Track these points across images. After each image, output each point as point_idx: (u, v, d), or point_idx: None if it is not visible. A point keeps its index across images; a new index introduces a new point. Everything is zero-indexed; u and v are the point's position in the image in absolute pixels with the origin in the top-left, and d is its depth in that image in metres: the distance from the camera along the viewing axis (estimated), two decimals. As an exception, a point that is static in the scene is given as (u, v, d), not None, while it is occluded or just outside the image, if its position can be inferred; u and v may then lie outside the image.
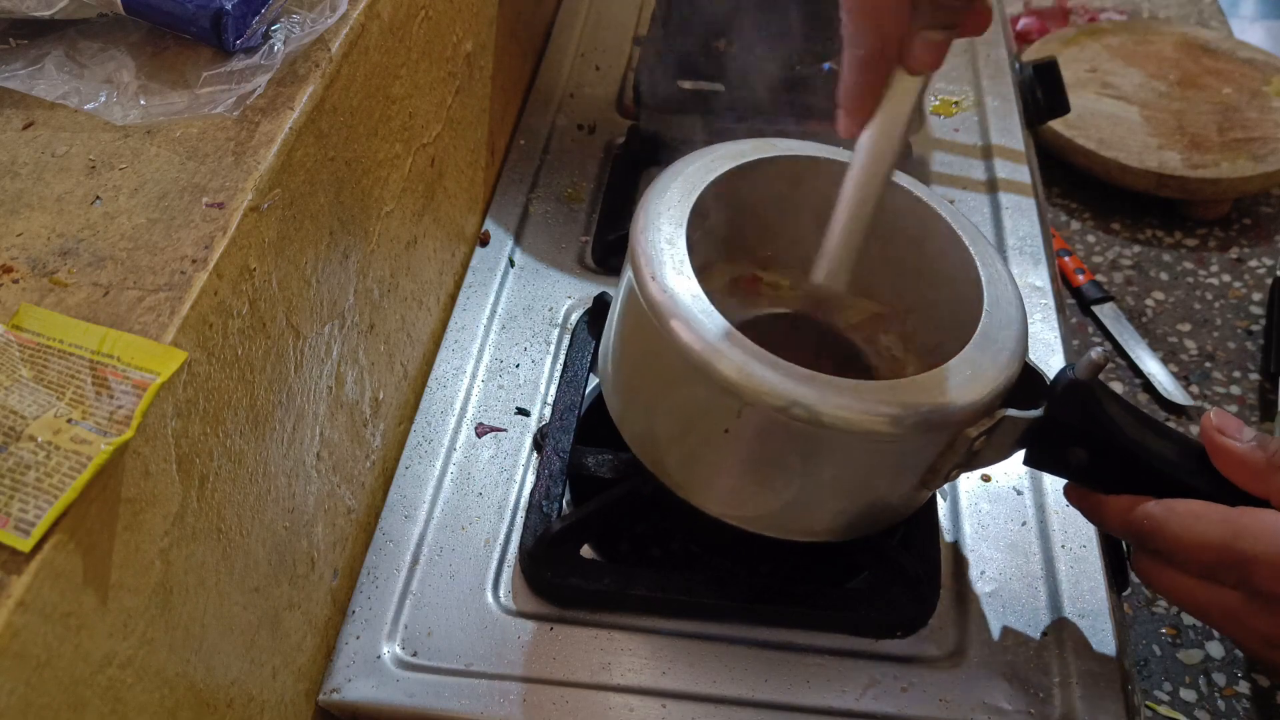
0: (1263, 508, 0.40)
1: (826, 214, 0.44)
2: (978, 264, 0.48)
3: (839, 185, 0.44)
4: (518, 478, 0.58)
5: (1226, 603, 0.41)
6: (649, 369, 0.47)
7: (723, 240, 0.53)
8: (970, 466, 0.47)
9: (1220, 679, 0.68)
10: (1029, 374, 0.45)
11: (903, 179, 0.51)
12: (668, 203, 0.47)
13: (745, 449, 0.45)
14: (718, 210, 0.50)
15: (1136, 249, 0.99)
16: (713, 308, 0.43)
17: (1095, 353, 0.43)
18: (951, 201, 0.73)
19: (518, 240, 0.72)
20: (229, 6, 0.44)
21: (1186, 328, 0.91)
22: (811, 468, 0.45)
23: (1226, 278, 0.96)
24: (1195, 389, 0.85)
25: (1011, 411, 0.44)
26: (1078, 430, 0.44)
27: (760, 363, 0.41)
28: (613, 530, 0.56)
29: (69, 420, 0.33)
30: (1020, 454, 0.47)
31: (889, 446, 0.43)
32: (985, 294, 0.46)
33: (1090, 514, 0.47)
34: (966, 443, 0.44)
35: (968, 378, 0.43)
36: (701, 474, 0.49)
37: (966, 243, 0.49)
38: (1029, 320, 0.64)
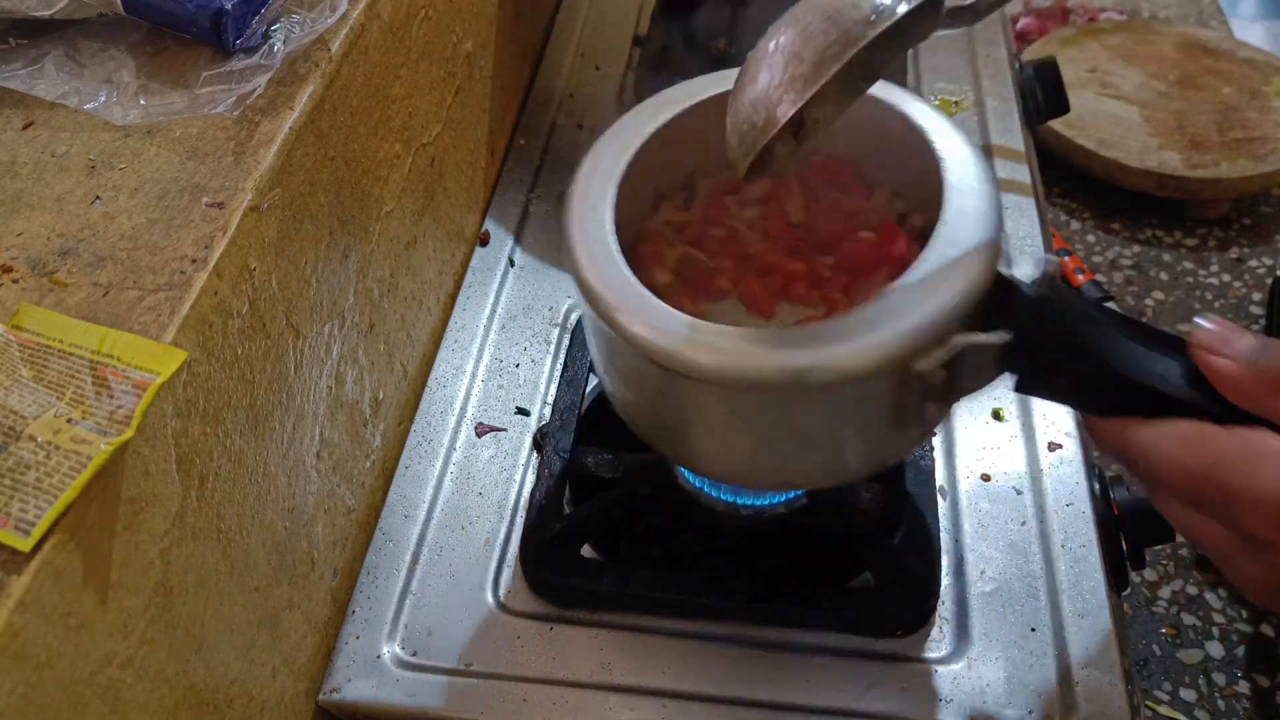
0: (1259, 428, 0.35)
1: None
2: (944, 169, 0.42)
3: None
4: (518, 478, 0.58)
5: (1218, 538, 0.37)
6: (601, 347, 0.45)
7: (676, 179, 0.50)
8: (950, 398, 0.42)
9: (1220, 679, 0.68)
10: (1003, 288, 0.39)
11: (887, 90, 0.46)
12: (600, 171, 0.45)
13: (690, 411, 0.43)
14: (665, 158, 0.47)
15: (1136, 249, 0.99)
16: (628, 274, 0.41)
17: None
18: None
19: (518, 240, 0.72)
20: (229, 6, 0.44)
21: (1187, 328, 0.91)
22: (762, 425, 0.42)
23: (1226, 278, 0.96)
24: (1195, 389, 0.85)
25: (972, 338, 0.38)
26: (1051, 351, 0.39)
27: (672, 325, 0.39)
28: (613, 530, 0.56)
29: (69, 420, 0.33)
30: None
31: (827, 396, 0.39)
32: (946, 202, 0.41)
33: (1094, 440, 0.41)
34: (922, 378, 0.39)
35: (909, 306, 0.38)
36: (674, 438, 0.46)
37: (935, 145, 0.43)
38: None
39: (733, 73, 0.42)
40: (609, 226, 0.43)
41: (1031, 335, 0.39)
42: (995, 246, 0.40)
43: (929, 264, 0.39)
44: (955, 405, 0.44)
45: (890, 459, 0.47)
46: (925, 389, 0.40)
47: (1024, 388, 0.42)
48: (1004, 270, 0.39)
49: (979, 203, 0.40)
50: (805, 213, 0.49)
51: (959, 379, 0.40)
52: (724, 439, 0.44)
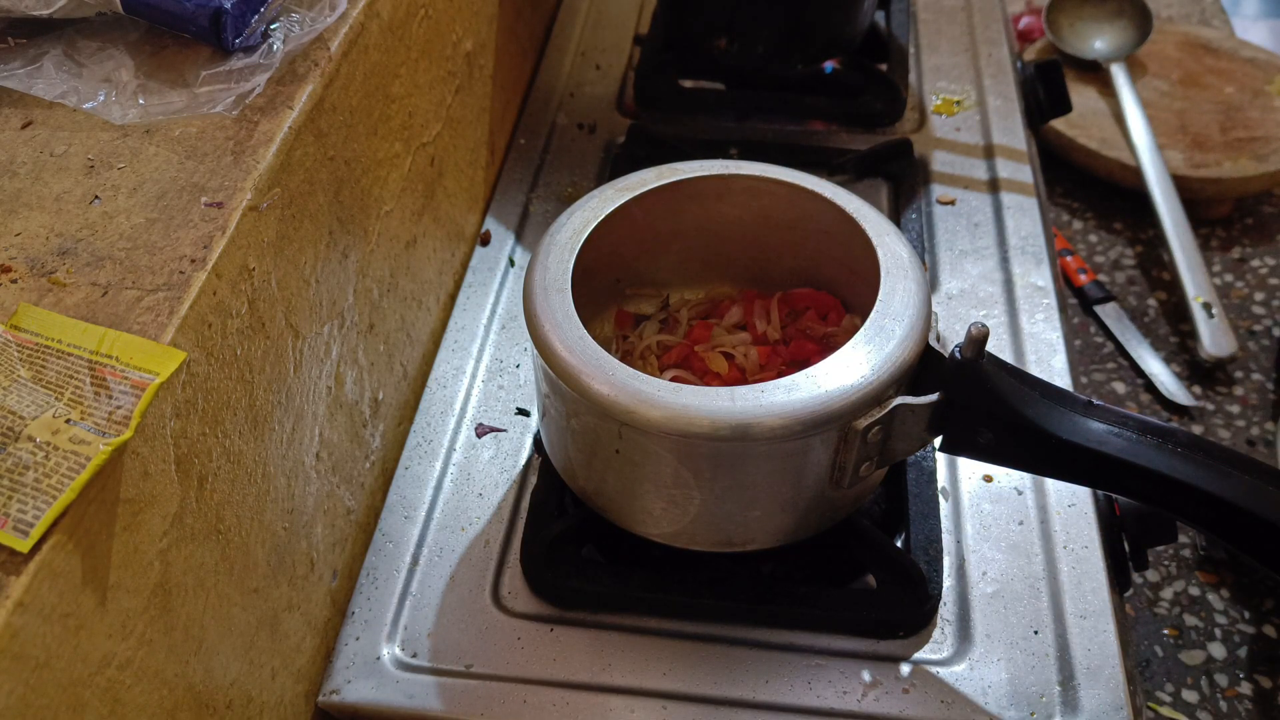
0: None
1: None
2: (879, 256, 0.47)
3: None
4: (518, 478, 0.58)
5: None
6: (559, 411, 0.48)
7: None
8: (885, 459, 0.46)
9: (1222, 680, 0.68)
10: (932, 358, 0.44)
11: (818, 184, 0.52)
12: (559, 245, 0.50)
13: (638, 466, 0.46)
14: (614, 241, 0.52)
15: (1139, 249, 0.99)
16: (585, 333, 0.45)
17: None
18: (953, 201, 0.73)
19: (518, 240, 0.72)
20: (228, 5, 0.44)
21: (1189, 328, 0.91)
22: (709, 479, 0.45)
23: (1229, 278, 0.96)
24: (1198, 389, 0.85)
25: (905, 399, 0.43)
26: (976, 410, 0.43)
27: (630, 383, 0.43)
28: (613, 531, 0.56)
29: (68, 420, 0.33)
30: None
31: (770, 449, 0.43)
32: (882, 284, 0.46)
33: None
34: (859, 436, 0.43)
35: (848, 370, 0.43)
36: (620, 499, 0.50)
37: (871, 237, 0.49)
38: (1031, 321, 0.64)
39: (688, 164, 0.53)
40: (569, 296, 0.47)
41: (958, 397, 0.43)
42: (926, 319, 0.45)
43: (868, 334, 0.44)
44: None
45: (827, 521, 0.50)
46: (863, 447, 0.44)
47: (949, 446, 0.46)
48: (933, 342, 0.44)
49: (910, 283, 0.46)
50: (781, 331, 0.57)
51: (894, 439, 0.45)
52: (673, 495, 0.47)
